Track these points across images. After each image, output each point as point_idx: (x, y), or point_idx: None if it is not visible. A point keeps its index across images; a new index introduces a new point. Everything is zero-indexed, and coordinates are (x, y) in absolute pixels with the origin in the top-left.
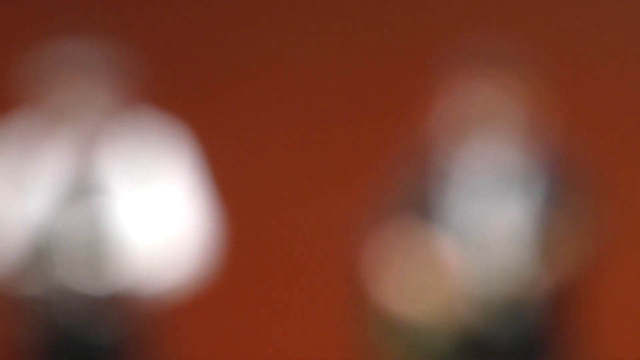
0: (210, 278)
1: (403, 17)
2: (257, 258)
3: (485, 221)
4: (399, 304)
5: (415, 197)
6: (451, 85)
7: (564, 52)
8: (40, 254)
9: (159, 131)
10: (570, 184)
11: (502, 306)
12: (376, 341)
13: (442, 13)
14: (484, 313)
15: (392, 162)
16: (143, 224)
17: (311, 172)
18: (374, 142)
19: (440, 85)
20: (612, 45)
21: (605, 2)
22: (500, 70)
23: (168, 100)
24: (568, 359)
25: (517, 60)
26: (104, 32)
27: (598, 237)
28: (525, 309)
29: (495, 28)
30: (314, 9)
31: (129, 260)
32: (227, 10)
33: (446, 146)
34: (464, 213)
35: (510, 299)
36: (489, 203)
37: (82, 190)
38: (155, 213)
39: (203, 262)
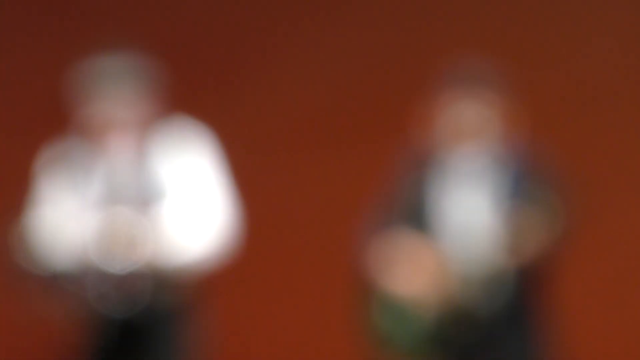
0: (231, 257)
1: (405, 42)
2: (272, 242)
3: (466, 214)
4: (397, 283)
5: (410, 196)
6: (442, 99)
7: (532, 73)
8: (83, 242)
9: (187, 133)
10: (539, 181)
11: (480, 283)
12: (377, 315)
13: (437, 40)
14: (466, 289)
15: (392, 163)
16: (175, 212)
17: (322, 169)
18: (376, 143)
19: (433, 99)
20: (569, 69)
21: (563, 35)
22: (481, 87)
23: (195, 108)
24: (537, 325)
25: (494, 79)
26: (141, 51)
27: (563, 226)
28: (499, 285)
29: (478, 54)
30: (327, 29)
31: (157, 241)
32: (241, 35)
33: (435, 151)
34: (450, 208)
35: (487, 278)
36: (469, 199)
37: (125, 185)
38: (186, 203)
39: (225, 243)
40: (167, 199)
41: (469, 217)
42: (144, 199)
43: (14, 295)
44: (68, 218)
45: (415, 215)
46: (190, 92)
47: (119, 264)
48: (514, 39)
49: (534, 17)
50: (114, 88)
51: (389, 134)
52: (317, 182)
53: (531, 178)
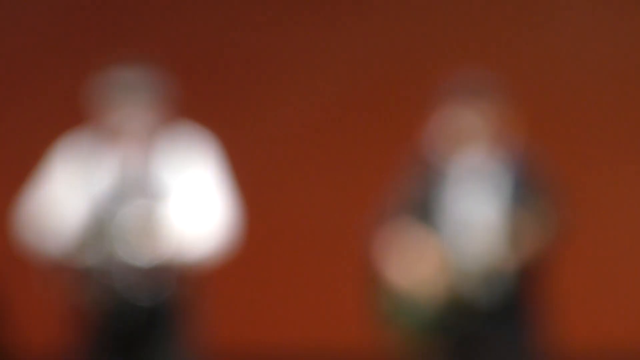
0: (240, 249)
1: (407, 53)
2: (278, 237)
3: (467, 214)
4: (400, 274)
5: (414, 194)
6: (442, 108)
7: (528, 85)
8: (101, 235)
9: (193, 138)
10: (535, 184)
11: (479, 276)
12: (382, 302)
13: (437, 52)
14: (466, 281)
15: (397, 163)
16: (184, 211)
17: (328, 168)
18: (384, 146)
19: (437, 107)
20: (562, 82)
21: (555, 47)
22: (477, 97)
23: (201, 115)
24: (533, 319)
25: (493, 90)
26: (153, 63)
27: (557, 226)
28: (498, 278)
29: (477, 67)
30: (334, 41)
31: (173, 238)
32: (246, 51)
33: (438, 155)
34: (452, 208)
35: (486, 271)
36: (470, 200)
37: (136, 184)
38: (192, 201)
39: (227, 239)
40: (173, 197)
41: (470, 214)
42: (152, 197)
43: (49, 286)
44: (85, 212)
45: (419, 211)
46: (200, 99)
47: (142, 257)
48: (509, 51)
49: (528, 30)
50: (127, 97)
51: (392, 135)
52: (324, 180)
53: (526, 180)
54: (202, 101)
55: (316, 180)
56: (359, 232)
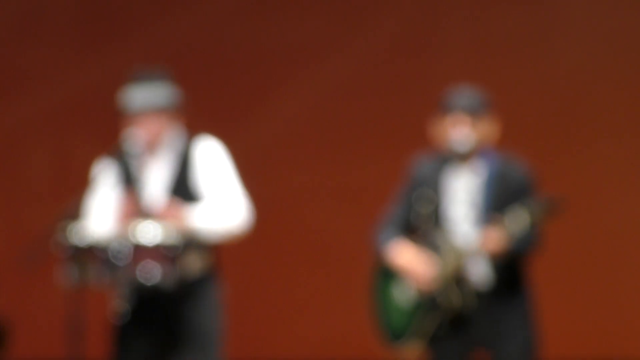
0: (250, 236)
1: (415, 61)
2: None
3: (460, 209)
4: (404, 266)
5: (414, 195)
6: (438, 119)
7: (514, 100)
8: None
9: (207, 143)
10: (519, 186)
11: (480, 261)
12: (389, 290)
13: (439, 77)
14: (461, 269)
15: (400, 166)
16: (205, 200)
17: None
18: (390, 145)
19: (434, 118)
20: (543, 98)
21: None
22: (470, 108)
23: (214, 124)
24: (519, 291)
25: (480, 101)
26: (171, 80)
27: (539, 218)
28: (493, 262)
29: (467, 82)
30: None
31: (192, 222)
32: (248, 67)
33: (433, 159)
34: (447, 203)
35: (484, 258)
36: (462, 196)
37: (156, 181)
38: (211, 193)
39: (242, 225)
40: (195, 191)
41: (463, 211)
42: (175, 192)
43: (67, 267)
44: (114, 205)
45: (418, 209)
46: (216, 114)
47: (154, 237)
48: (495, 68)
49: (513, 52)
50: (148, 108)
51: (397, 136)
52: (331, 178)
53: (511, 183)
54: (216, 113)
55: (322, 189)
56: (364, 236)
